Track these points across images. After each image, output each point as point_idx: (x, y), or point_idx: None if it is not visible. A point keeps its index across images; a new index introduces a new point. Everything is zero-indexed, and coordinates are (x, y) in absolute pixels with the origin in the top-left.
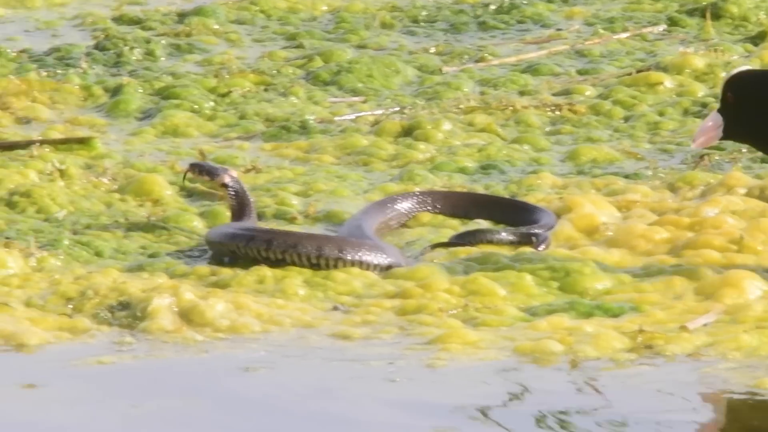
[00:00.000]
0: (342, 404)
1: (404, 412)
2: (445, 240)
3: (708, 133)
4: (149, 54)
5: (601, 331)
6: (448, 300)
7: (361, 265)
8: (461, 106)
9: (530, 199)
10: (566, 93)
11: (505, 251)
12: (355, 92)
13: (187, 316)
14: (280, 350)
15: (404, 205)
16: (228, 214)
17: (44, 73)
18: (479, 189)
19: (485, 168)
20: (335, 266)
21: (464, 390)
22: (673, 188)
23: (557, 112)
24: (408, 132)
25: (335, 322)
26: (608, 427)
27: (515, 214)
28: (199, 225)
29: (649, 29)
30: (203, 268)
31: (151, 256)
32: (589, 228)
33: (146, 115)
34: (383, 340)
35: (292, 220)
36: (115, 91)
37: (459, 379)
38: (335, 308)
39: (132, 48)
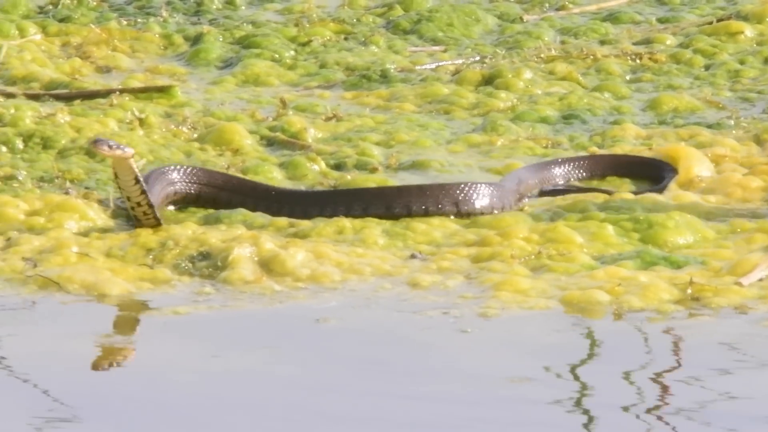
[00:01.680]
0: (405, 354)
1: (462, 363)
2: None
3: None
4: (229, 2)
5: (654, 282)
6: (523, 247)
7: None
8: (542, 55)
9: (617, 150)
10: (647, 42)
11: (598, 199)
12: (435, 41)
13: (268, 266)
14: (354, 300)
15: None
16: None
17: (125, 22)
18: (563, 140)
19: (567, 118)
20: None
21: (512, 340)
22: (759, 140)
23: (638, 61)
24: (489, 81)
25: (414, 270)
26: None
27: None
28: (278, 175)
29: None
30: (281, 220)
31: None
32: (684, 180)
33: (227, 64)
34: (448, 288)
35: (372, 170)
36: (196, 40)
37: (508, 329)
38: (413, 256)
39: None
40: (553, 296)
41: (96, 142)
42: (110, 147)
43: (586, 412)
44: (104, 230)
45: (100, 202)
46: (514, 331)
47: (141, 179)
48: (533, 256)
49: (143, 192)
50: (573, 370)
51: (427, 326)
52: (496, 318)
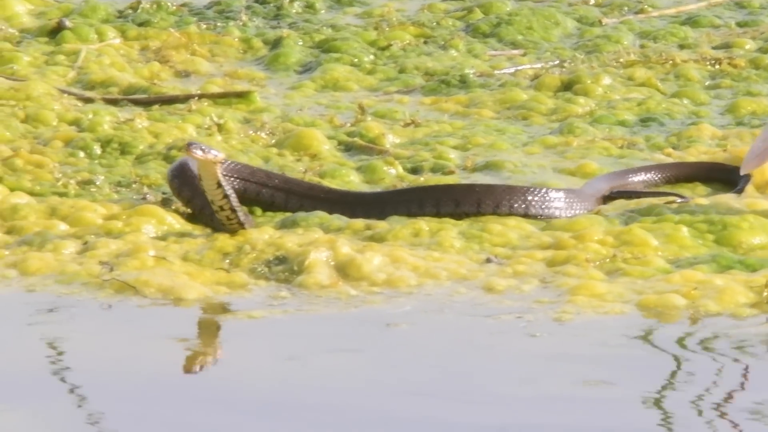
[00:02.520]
0: (477, 360)
1: (539, 367)
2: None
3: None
4: (309, 6)
5: (730, 285)
6: (598, 250)
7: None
8: (621, 60)
9: (692, 151)
10: (726, 46)
11: (672, 203)
12: (514, 44)
13: (344, 270)
14: (426, 304)
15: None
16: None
17: (204, 26)
18: (639, 141)
19: (644, 121)
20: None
21: (587, 344)
22: None
23: (717, 66)
24: (567, 86)
25: (489, 274)
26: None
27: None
28: (355, 179)
29: None
30: (358, 222)
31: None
32: (760, 182)
33: (306, 69)
34: (523, 292)
35: (448, 173)
36: (275, 44)
37: (583, 333)
38: (488, 260)
39: (292, 0)
40: (629, 300)
41: (189, 145)
42: (203, 151)
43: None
44: (181, 234)
45: (178, 206)
46: (589, 335)
47: (224, 184)
48: (608, 260)
49: (225, 196)
50: (647, 372)
51: (499, 330)
52: (569, 323)
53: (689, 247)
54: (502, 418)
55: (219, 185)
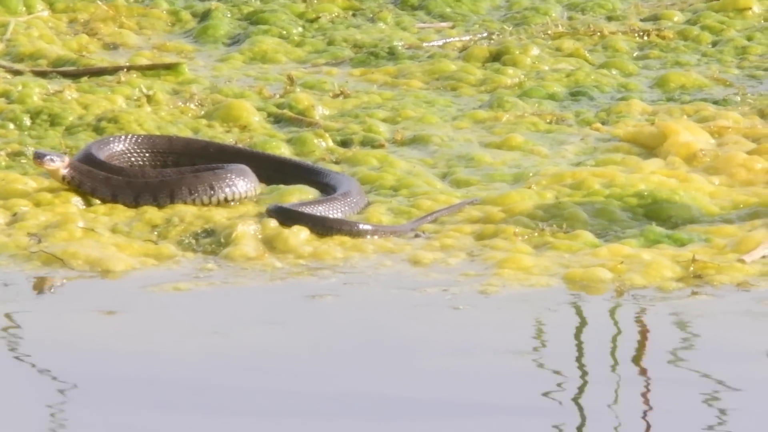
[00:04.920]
0: (399, 332)
1: (460, 340)
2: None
3: None
4: None
5: (657, 259)
6: (528, 224)
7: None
8: (549, 32)
9: (621, 126)
10: (654, 18)
11: (599, 177)
12: (443, 17)
13: (271, 243)
14: (352, 277)
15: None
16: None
17: None
18: (569, 116)
19: (574, 95)
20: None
21: (513, 317)
22: (763, 114)
23: (645, 38)
24: (496, 57)
25: (416, 248)
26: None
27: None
28: (286, 151)
29: None
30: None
31: None
32: (687, 155)
33: (234, 41)
34: (449, 265)
35: (379, 146)
36: (203, 17)
37: (509, 306)
38: (416, 235)
39: None
40: (556, 273)
41: (38, 157)
42: (52, 161)
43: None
44: (111, 207)
45: None
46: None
47: (70, 179)
48: (536, 234)
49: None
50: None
51: (424, 303)
52: (495, 295)
53: (619, 221)
54: (426, 392)
55: (67, 182)
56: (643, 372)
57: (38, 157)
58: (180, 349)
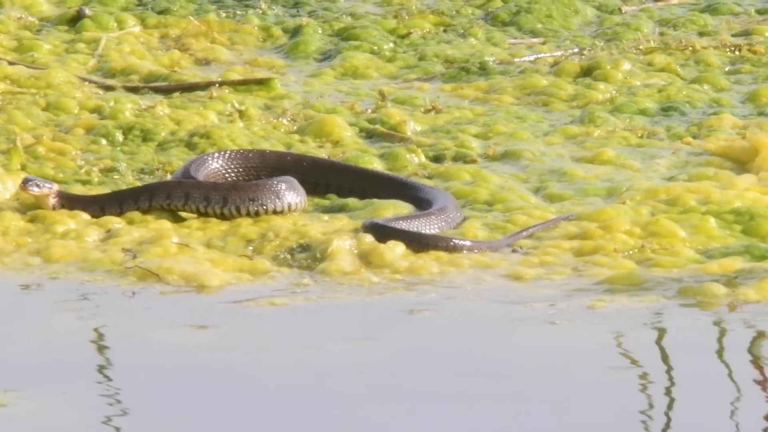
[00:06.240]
0: (500, 347)
1: (564, 354)
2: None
3: None
4: None
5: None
6: (626, 241)
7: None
8: (640, 47)
9: (712, 140)
10: (745, 33)
11: (693, 193)
12: (534, 33)
13: (367, 258)
14: (449, 292)
15: None
16: None
17: (223, 14)
18: (660, 131)
19: (666, 110)
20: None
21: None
22: None
23: (737, 53)
24: (587, 72)
25: (513, 263)
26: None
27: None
28: (378, 166)
29: None
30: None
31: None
32: None
33: (325, 57)
34: (553, 281)
35: (471, 161)
36: (295, 32)
37: (618, 321)
38: (514, 250)
39: None
40: (669, 288)
41: (25, 182)
42: (38, 187)
43: None
44: (204, 221)
45: None
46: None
47: (58, 207)
48: (637, 250)
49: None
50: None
51: (526, 317)
52: (602, 310)
53: (717, 238)
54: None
55: (53, 208)
56: (763, 387)
57: (25, 183)
58: (278, 363)
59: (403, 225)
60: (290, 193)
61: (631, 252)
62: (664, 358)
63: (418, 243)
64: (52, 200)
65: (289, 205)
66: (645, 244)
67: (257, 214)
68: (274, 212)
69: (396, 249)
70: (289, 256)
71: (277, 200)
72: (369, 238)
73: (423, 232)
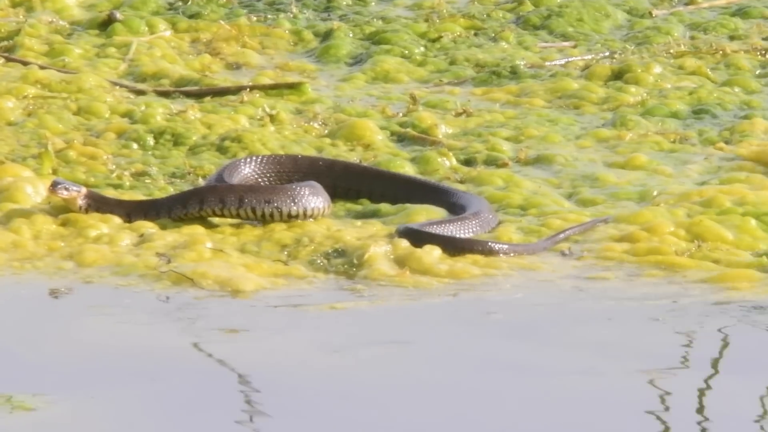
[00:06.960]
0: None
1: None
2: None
3: None
4: None
5: None
6: (677, 243)
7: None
8: (671, 51)
9: (744, 145)
10: None
11: (727, 195)
12: (565, 36)
13: (404, 262)
14: (515, 292)
15: None
16: None
17: (254, 18)
18: (692, 136)
19: (697, 113)
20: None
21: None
22: None
23: (767, 56)
24: (618, 75)
25: (555, 266)
26: None
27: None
28: (410, 170)
29: None
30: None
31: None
32: None
33: (356, 61)
34: (608, 281)
35: (503, 165)
36: (326, 36)
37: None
38: (563, 253)
39: None
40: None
41: (53, 186)
42: (67, 190)
43: None
44: (238, 226)
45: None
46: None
47: (86, 209)
48: (695, 251)
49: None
50: None
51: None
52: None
53: (762, 239)
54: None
55: (84, 211)
56: None
57: (53, 186)
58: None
59: (441, 229)
60: (314, 198)
61: (687, 254)
62: None
63: (454, 247)
64: (80, 202)
65: (313, 210)
66: (701, 244)
67: (272, 216)
68: (289, 216)
69: (433, 253)
70: (325, 261)
71: (296, 204)
72: (405, 243)
73: (458, 236)
